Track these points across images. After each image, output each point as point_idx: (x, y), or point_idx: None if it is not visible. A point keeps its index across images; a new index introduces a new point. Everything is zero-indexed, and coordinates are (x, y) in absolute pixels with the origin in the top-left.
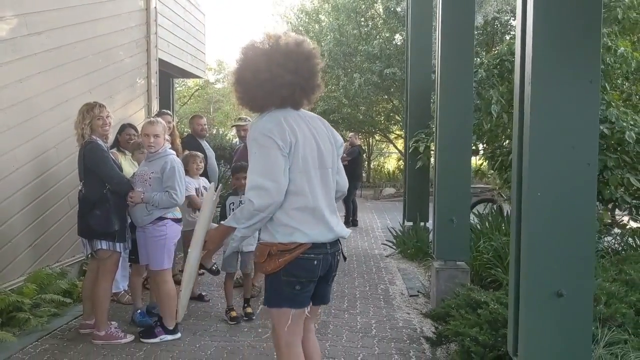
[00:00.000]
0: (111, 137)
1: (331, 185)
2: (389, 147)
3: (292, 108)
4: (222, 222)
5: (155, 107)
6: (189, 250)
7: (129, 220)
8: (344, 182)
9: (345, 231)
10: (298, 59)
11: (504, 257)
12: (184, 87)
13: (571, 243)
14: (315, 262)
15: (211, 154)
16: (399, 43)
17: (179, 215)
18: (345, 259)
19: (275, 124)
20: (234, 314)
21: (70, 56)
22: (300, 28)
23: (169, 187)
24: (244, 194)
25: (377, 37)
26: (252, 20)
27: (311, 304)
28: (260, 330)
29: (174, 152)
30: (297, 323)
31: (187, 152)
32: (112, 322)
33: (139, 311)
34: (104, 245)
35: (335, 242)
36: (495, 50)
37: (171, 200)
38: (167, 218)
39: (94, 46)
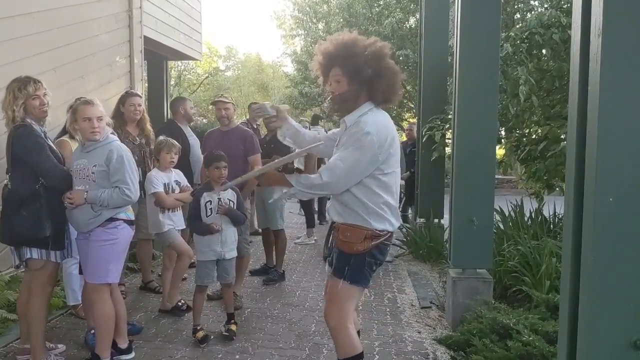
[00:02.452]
0: (50, 119)
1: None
2: (402, 136)
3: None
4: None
5: (138, 89)
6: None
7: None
8: None
9: None
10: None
11: (534, 265)
12: (193, 74)
13: None
14: (389, 248)
15: (195, 142)
16: (413, 25)
17: (132, 216)
18: None
19: (385, 124)
20: (201, 334)
21: (28, 28)
22: (308, 9)
23: (119, 182)
24: (222, 189)
25: (389, 17)
26: (259, 2)
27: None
28: (237, 357)
29: (117, 137)
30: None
31: (161, 137)
32: (58, 346)
33: (93, 331)
34: (34, 254)
35: None
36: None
37: (123, 197)
38: (119, 219)
39: (60, 18)
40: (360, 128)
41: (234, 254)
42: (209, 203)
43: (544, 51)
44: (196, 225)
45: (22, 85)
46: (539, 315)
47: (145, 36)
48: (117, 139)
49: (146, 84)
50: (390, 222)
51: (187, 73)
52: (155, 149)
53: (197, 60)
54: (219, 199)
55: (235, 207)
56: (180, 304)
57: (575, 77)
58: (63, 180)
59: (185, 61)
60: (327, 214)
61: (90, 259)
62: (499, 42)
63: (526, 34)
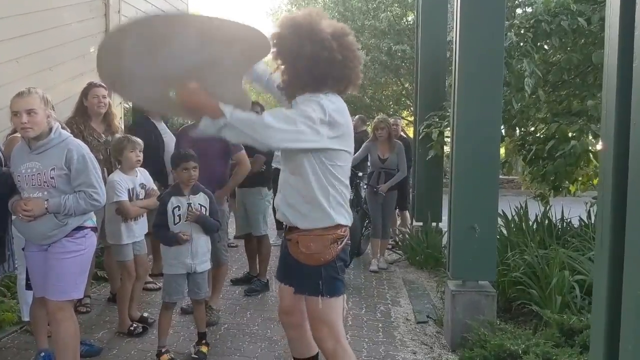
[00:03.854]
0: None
1: None
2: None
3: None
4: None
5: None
6: None
7: (12, 234)
8: None
9: None
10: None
11: (542, 277)
12: None
13: None
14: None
15: (171, 139)
16: (412, 21)
17: (96, 222)
18: None
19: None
20: (166, 357)
21: None
22: (302, 2)
23: (84, 185)
24: (192, 194)
25: (385, 11)
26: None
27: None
28: None
29: (69, 133)
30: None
31: (119, 136)
32: None
33: (43, 354)
34: None
35: None
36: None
37: (91, 202)
38: (86, 227)
39: (23, 4)
40: (311, 98)
41: (207, 266)
42: (177, 209)
43: (551, 41)
44: (163, 234)
45: None
46: (553, 342)
47: None
48: (69, 134)
49: None
50: (348, 214)
51: None
52: (116, 149)
53: None
54: (189, 204)
55: (207, 213)
56: (132, 328)
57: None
58: (4, 184)
59: None
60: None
61: (54, 274)
62: (503, 29)
63: (532, 21)
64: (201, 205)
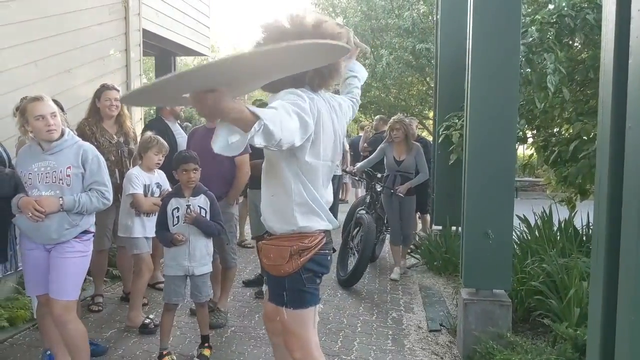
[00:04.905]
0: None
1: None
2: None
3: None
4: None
5: (136, 85)
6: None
7: (14, 233)
8: None
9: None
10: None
11: (561, 287)
12: None
13: None
14: (330, 255)
15: (183, 140)
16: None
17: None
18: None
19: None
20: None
21: (1, 17)
22: (326, 3)
23: (97, 183)
24: (192, 196)
25: (409, 9)
26: (276, 3)
27: None
28: None
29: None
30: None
31: (150, 134)
32: None
33: (49, 352)
34: None
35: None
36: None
37: (103, 200)
38: (91, 231)
39: (42, 8)
40: (294, 91)
41: (207, 269)
42: (176, 210)
43: (576, 37)
44: (161, 234)
45: None
46: (564, 357)
47: (145, 30)
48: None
49: (145, 80)
50: (324, 220)
51: None
52: (142, 146)
53: (204, 55)
54: (188, 206)
55: (208, 216)
56: (147, 321)
57: (609, 56)
58: (4, 185)
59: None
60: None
61: (62, 273)
62: (520, 25)
63: (554, 16)
64: (201, 208)
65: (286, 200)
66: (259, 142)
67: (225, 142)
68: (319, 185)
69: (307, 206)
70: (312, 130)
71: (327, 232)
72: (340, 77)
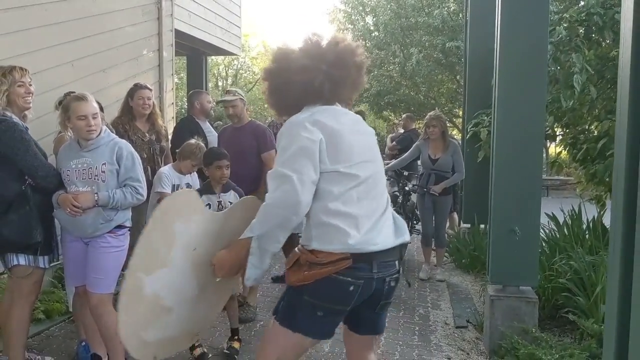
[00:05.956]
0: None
1: None
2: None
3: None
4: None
5: (168, 84)
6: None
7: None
8: None
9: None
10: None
11: (588, 284)
12: (250, 72)
13: None
14: (352, 287)
15: (214, 139)
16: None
17: (131, 223)
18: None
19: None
20: (198, 351)
21: (40, 19)
22: (356, 2)
23: (132, 179)
24: (223, 192)
25: (440, 7)
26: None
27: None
28: None
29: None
30: (298, 354)
31: (196, 142)
32: (45, 358)
33: (84, 343)
34: (21, 260)
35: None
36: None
37: (137, 196)
38: (126, 226)
39: (77, 9)
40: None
41: None
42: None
43: (605, 35)
44: None
45: (7, 71)
46: (588, 352)
47: (178, 30)
48: (115, 135)
49: (176, 80)
50: (347, 237)
51: (243, 72)
52: (185, 151)
53: (235, 55)
54: (219, 202)
55: None
56: None
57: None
58: (53, 179)
59: (242, 60)
60: None
61: (97, 267)
62: (547, 23)
63: (583, 15)
64: (231, 203)
65: (316, 211)
66: (271, 239)
67: (257, 271)
68: (351, 199)
69: (326, 226)
70: (317, 159)
71: (362, 255)
72: (357, 88)
